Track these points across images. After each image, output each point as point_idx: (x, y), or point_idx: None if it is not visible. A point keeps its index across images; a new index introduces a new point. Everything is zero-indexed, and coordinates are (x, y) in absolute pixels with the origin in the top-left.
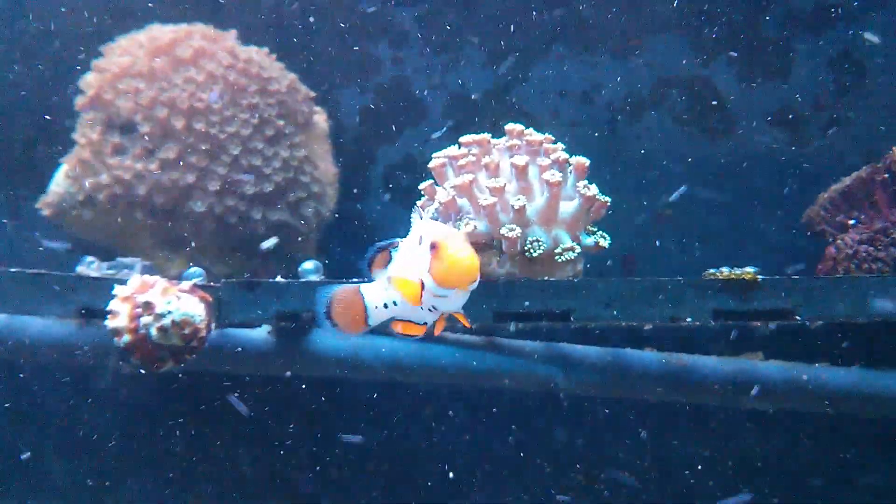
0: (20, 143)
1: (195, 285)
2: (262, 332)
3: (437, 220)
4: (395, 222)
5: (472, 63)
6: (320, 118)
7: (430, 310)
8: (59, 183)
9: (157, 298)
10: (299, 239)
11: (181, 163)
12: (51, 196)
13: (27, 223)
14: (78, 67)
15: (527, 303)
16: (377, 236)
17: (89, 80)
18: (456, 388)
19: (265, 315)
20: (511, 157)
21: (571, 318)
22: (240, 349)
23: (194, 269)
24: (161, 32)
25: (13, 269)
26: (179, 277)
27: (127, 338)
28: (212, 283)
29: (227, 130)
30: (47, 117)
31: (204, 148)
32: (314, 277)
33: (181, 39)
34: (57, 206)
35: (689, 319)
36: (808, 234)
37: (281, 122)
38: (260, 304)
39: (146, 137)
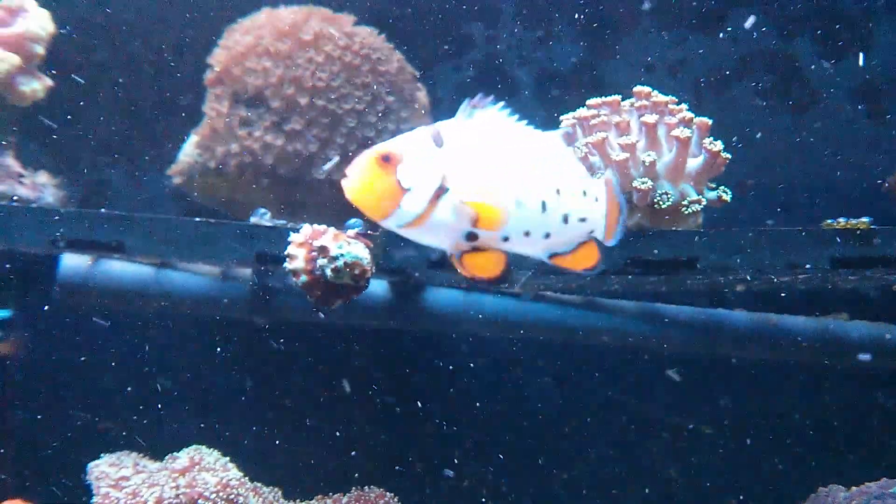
0: (141, 119)
1: (358, 233)
2: (382, 285)
3: None
4: None
5: (561, 39)
6: (421, 94)
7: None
8: (189, 153)
9: (329, 243)
10: None
11: (305, 135)
12: (181, 164)
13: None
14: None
15: (655, 251)
16: None
17: (217, 57)
18: None
19: (421, 256)
20: (640, 117)
21: (697, 266)
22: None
23: (355, 220)
24: (282, 14)
25: (197, 219)
26: None
27: (304, 278)
28: (369, 232)
29: (344, 107)
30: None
31: (325, 121)
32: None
33: (302, 21)
34: (187, 174)
35: (807, 266)
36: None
37: (391, 99)
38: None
39: (275, 111)
